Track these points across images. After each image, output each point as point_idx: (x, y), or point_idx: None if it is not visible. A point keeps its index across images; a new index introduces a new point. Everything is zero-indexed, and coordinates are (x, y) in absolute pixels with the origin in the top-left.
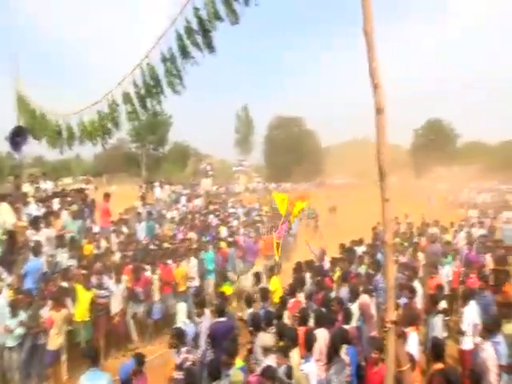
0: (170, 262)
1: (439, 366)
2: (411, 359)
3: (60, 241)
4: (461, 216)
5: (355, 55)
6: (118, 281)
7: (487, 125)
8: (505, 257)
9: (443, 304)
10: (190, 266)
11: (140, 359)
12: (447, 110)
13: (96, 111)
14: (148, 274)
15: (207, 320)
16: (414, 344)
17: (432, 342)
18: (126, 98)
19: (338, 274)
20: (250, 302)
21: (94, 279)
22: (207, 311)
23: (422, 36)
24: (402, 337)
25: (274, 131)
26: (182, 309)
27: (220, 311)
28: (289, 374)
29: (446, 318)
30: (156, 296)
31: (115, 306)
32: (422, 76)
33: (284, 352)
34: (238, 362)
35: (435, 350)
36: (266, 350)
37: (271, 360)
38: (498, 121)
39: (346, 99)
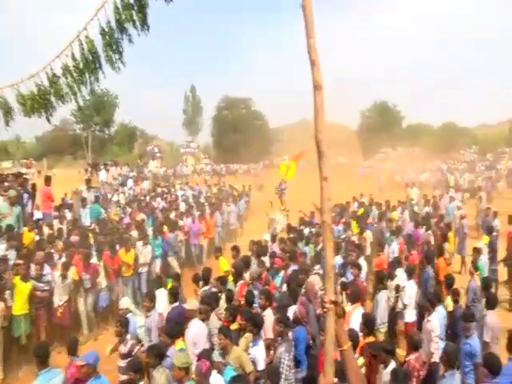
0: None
1: (370, 339)
2: (355, 336)
3: None
4: (409, 195)
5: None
6: (65, 271)
7: (430, 108)
8: (444, 233)
9: (397, 280)
10: (145, 251)
11: None
12: (393, 94)
13: (34, 84)
14: (94, 260)
15: (156, 314)
16: (357, 321)
17: (363, 317)
18: (66, 70)
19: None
20: (197, 282)
21: (33, 270)
22: (158, 304)
23: (373, 23)
24: (342, 316)
25: (221, 112)
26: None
27: (174, 295)
28: (224, 353)
29: (398, 294)
30: (103, 283)
31: (58, 299)
32: (372, 62)
33: (226, 332)
34: (179, 344)
35: (366, 324)
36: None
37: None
38: (440, 105)
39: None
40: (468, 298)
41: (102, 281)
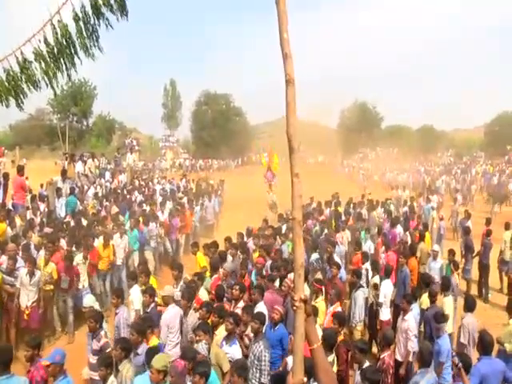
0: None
1: (341, 338)
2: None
3: None
4: (391, 195)
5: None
6: (33, 267)
7: (408, 111)
8: (421, 233)
9: (376, 279)
10: (122, 244)
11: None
12: (372, 95)
13: (3, 69)
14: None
15: (125, 311)
16: None
17: (335, 315)
18: (39, 55)
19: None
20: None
21: (4, 263)
22: (134, 302)
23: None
24: (311, 314)
25: (201, 107)
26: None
27: (150, 294)
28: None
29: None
30: (85, 284)
31: (26, 299)
32: (351, 62)
33: (206, 328)
34: (153, 340)
35: (338, 321)
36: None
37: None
38: (418, 108)
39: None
40: None
41: (85, 282)
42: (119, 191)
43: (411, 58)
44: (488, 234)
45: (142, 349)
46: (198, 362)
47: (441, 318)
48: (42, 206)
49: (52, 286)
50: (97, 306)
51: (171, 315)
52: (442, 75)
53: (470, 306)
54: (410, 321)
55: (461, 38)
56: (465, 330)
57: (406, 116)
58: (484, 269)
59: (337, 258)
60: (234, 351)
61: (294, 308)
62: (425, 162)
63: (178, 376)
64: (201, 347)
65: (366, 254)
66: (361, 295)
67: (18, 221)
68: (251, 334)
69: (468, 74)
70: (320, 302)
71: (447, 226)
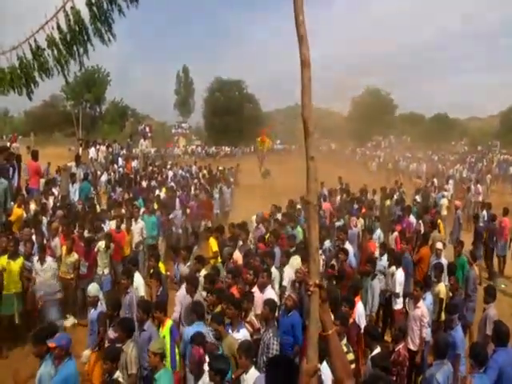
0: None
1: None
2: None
3: None
4: (417, 184)
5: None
6: (44, 253)
7: (422, 98)
8: (433, 221)
9: (393, 269)
10: (138, 228)
11: None
12: (385, 82)
13: (17, 57)
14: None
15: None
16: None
17: (345, 298)
18: (52, 42)
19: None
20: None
21: (22, 247)
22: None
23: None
24: (327, 300)
25: (213, 94)
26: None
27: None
28: (218, 337)
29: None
30: (107, 268)
31: (41, 289)
32: (363, 49)
33: (219, 319)
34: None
35: (349, 305)
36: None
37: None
38: (432, 96)
39: (289, 64)
40: (468, 288)
41: (105, 268)
42: (132, 177)
43: (426, 45)
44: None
45: (148, 325)
46: (216, 357)
47: (453, 309)
48: (56, 191)
49: (73, 275)
50: (101, 296)
51: (185, 293)
52: (457, 64)
53: (491, 296)
54: (423, 308)
55: (476, 28)
56: (490, 321)
57: (420, 104)
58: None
59: (348, 245)
60: (244, 336)
61: (309, 293)
62: (438, 151)
63: (196, 364)
64: (208, 337)
65: (383, 245)
66: (377, 284)
67: (32, 205)
68: (254, 321)
69: (483, 62)
70: None
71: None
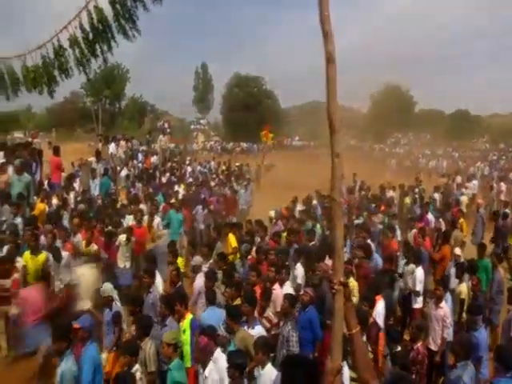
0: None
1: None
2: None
3: (4, 197)
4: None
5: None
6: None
7: (443, 95)
8: (454, 220)
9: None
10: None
11: None
12: (403, 78)
13: (40, 56)
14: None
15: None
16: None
17: (365, 297)
18: (74, 42)
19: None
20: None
21: (43, 241)
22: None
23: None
24: (351, 299)
25: (232, 90)
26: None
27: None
28: (229, 331)
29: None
30: (128, 261)
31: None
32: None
33: (232, 313)
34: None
35: (369, 304)
36: None
37: None
38: (453, 91)
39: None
40: (493, 289)
41: (127, 262)
42: (151, 172)
43: (448, 41)
44: None
45: (169, 320)
46: (233, 352)
47: (477, 309)
48: (76, 186)
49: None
50: (115, 296)
51: (202, 284)
52: (479, 60)
53: None
54: (446, 308)
55: (502, 24)
56: None
57: (440, 100)
58: None
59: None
60: (259, 333)
61: (333, 291)
62: (459, 148)
63: (199, 352)
64: (220, 330)
65: (406, 243)
66: (398, 283)
67: (54, 200)
68: (272, 316)
69: (506, 59)
70: (352, 282)
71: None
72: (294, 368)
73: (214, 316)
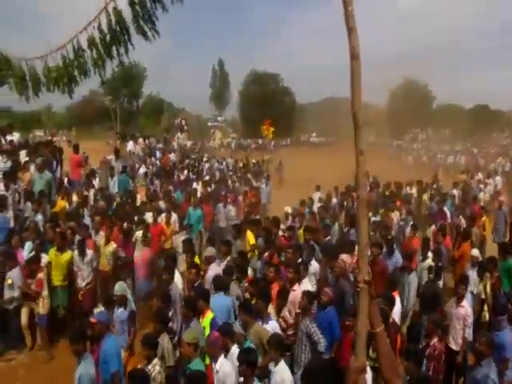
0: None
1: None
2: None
3: (28, 195)
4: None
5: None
6: (83, 247)
7: (461, 89)
8: (473, 217)
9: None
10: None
11: None
12: (422, 73)
13: (61, 56)
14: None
15: (177, 288)
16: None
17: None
18: (92, 43)
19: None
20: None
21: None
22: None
23: None
24: (375, 297)
25: (249, 87)
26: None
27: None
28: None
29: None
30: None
31: (81, 280)
32: (397, 38)
33: (246, 307)
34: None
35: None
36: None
37: None
38: (471, 86)
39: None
40: None
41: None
42: (168, 169)
43: (467, 34)
44: None
45: (194, 323)
46: (244, 350)
47: (501, 309)
48: (96, 183)
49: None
50: (129, 295)
51: (215, 272)
52: (499, 53)
53: None
54: (467, 307)
55: None
56: None
57: (460, 95)
58: None
59: None
60: (272, 328)
61: (358, 289)
62: (478, 143)
63: (209, 346)
64: (236, 327)
65: (425, 240)
66: (415, 279)
67: (74, 197)
68: (288, 316)
69: None
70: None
71: None
72: (319, 373)
73: (221, 301)
